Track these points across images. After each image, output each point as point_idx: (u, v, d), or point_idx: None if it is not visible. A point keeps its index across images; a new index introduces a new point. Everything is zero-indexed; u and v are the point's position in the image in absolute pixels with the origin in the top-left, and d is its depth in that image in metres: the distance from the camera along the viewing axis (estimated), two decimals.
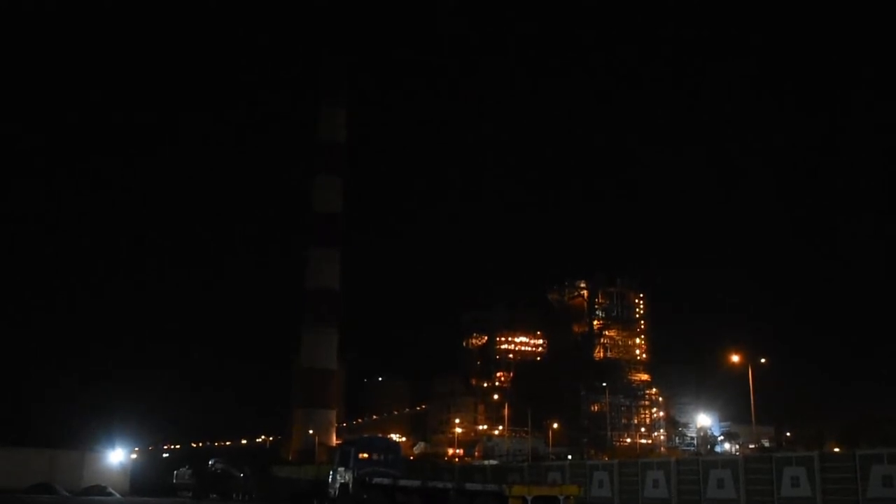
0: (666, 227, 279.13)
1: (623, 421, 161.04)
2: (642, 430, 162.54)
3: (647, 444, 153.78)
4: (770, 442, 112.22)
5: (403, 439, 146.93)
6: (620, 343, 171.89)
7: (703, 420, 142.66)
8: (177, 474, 69.53)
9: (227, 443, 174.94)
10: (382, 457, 37.64)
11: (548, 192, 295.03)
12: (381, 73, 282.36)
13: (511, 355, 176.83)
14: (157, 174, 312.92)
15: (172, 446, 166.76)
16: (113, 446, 68.76)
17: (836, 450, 63.25)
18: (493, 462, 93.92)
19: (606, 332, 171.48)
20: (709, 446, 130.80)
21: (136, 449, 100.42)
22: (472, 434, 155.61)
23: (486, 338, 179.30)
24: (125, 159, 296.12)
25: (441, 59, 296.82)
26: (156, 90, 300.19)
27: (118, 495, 59.68)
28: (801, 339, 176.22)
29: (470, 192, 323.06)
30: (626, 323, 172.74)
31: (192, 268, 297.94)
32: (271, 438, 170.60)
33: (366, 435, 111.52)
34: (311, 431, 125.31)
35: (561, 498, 29.25)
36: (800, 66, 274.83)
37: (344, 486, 36.94)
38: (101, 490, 59.70)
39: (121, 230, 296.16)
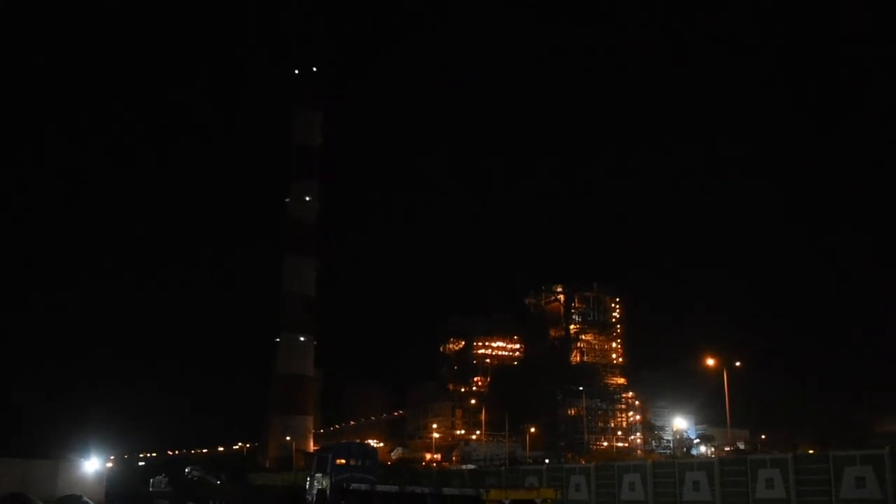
0: (643, 229, 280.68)
1: (600, 425, 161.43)
2: (619, 433, 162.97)
3: (624, 447, 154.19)
4: (745, 444, 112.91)
5: (381, 445, 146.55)
6: (597, 347, 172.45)
7: (680, 423, 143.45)
8: (153, 482, 69.19)
9: (204, 450, 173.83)
10: (360, 462, 37.51)
11: (527, 198, 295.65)
12: (358, 79, 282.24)
13: (488, 360, 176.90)
14: (131, 179, 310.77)
15: (148, 454, 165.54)
16: (88, 455, 67.98)
17: (811, 452, 63.83)
18: (470, 466, 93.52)
19: (583, 337, 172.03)
20: (685, 449, 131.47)
21: (112, 457, 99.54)
22: (450, 439, 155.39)
23: (463, 343, 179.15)
24: (101, 162, 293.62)
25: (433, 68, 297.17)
26: (132, 94, 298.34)
27: None
28: (777, 341, 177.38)
29: (448, 198, 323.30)
30: (602, 327, 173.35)
31: (166, 270, 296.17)
32: (248, 445, 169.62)
33: (343, 441, 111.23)
34: (288, 438, 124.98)
35: (538, 501, 29.28)
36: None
37: (321, 492, 36.84)
38: (76, 500, 58.97)
39: (95, 238, 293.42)
